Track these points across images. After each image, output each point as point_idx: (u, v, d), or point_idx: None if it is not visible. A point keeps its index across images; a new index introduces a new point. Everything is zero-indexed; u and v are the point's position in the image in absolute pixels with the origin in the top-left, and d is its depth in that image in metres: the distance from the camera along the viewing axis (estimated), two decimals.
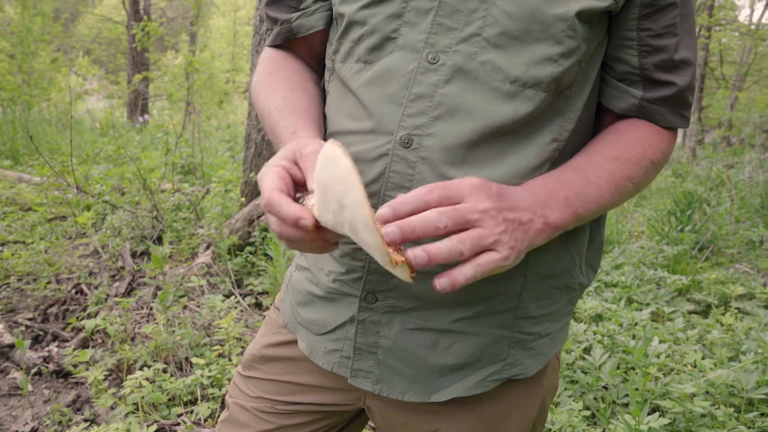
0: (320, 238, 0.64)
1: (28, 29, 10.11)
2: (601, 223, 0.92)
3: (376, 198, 0.77)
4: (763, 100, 11.18)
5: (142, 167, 4.20)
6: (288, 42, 0.95)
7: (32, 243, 3.64)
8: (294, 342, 0.93)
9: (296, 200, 0.65)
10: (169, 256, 3.53)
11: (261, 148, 3.78)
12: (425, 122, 0.75)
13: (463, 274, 0.62)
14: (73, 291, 3.08)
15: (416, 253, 0.60)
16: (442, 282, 0.61)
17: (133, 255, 3.58)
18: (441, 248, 0.61)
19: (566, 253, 0.85)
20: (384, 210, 0.62)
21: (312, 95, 0.89)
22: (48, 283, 3.10)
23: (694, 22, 0.83)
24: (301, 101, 0.86)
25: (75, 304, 2.99)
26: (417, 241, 0.63)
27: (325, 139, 0.85)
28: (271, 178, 0.66)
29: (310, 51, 0.96)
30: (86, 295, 3.05)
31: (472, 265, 0.63)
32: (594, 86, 0.83)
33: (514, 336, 0.84)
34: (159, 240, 3.75)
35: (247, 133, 3.90)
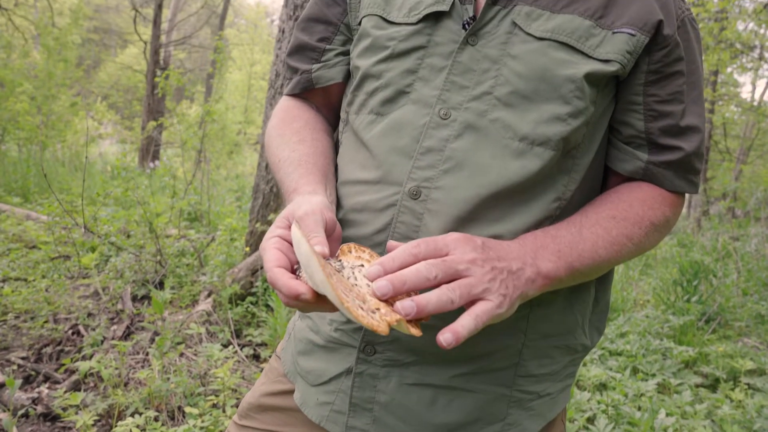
0: (324, 303, 0.64)
1: (50, 74, 10.44)
2: (606, 285, 0.92)
3: (382, 247, 0.77)
4: (767, 174, 11.28)
5: (149, 210, 4.23)
6: (306, 92, 0.97)
7: (34, 280, 3.63)
8: (292, 392, 0.91)
9: (294, 271, 0.66)
10: (170, 302, 3.50)
11: (269, 199, 3.81)
12: (434, 175, 0.76)
13: (464, 326, 0.61)
14: (70, 331, 3.04)
15: (405, 305, 0.60)
16: (446, 337, 0.60)
17: (134, 298, 3.56)
18: (431, 298, 0.61)
19: (570, 313, 0.84)
20: (374, 268, 0.63)
21: (322, 146, 0.91)
22: (45, 322, 3.07)
23: (702, 91, 0.85)
24: (308, 153, 0.87)
25: (70, 345, 2.94)
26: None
27: (336, 189, 0.86)
28: (269, 253, 0.66)
29: (326, 102, 0.98)
30: (83, 336, 3.01)
31: (470, 316, 0.62)
32: (600, 148, 0.84)
33: (513, 395, 0.82)
34: (161, 285, 3.73)
35: (255, 183, 3.95)
